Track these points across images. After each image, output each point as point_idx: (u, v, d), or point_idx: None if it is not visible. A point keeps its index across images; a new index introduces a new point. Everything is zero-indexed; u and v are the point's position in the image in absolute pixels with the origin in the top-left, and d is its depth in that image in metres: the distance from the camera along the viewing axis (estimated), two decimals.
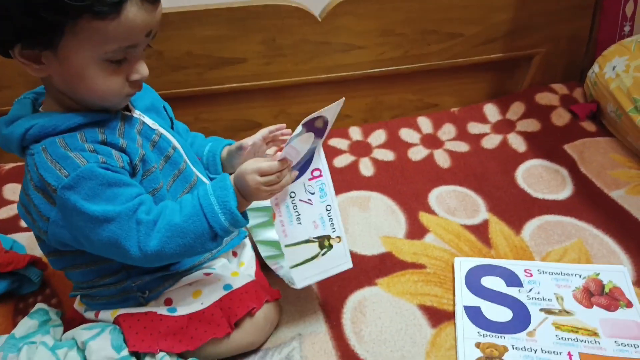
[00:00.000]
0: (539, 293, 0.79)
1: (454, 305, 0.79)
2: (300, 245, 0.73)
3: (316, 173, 0.73)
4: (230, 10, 1.08)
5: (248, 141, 0.78)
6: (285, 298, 0.81)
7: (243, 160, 0.77)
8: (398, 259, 0.88)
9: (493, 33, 1.22)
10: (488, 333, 0.74)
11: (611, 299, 0.78)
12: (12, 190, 1.07)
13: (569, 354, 0.70)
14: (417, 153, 1.14)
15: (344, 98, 0.66)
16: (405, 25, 1.17)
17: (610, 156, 1.07)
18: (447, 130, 1.20)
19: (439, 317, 0.77)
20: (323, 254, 0.75)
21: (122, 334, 0.68)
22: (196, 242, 0.62)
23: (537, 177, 1.05)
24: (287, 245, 0.73)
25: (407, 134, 1.19)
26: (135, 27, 0.58)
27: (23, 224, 0.89)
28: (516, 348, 0.71)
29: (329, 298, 0.81)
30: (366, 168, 1.10)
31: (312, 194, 0.73)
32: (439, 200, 1.01)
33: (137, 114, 0.68)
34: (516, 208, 0.98)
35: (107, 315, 0.71)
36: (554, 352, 0.70)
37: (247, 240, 0.83)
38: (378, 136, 1.19)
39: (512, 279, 0.82)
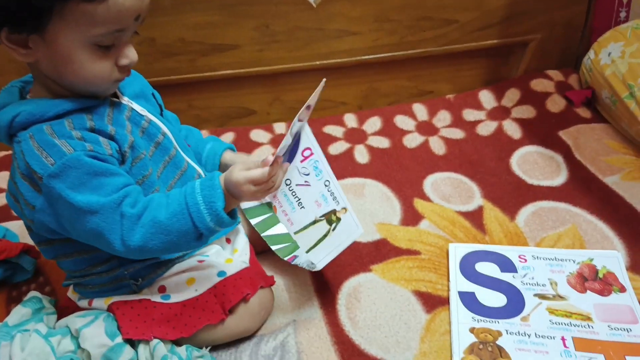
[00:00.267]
0: (533, 278, 0.79)
1: (448, 290, 0.79)
2: (309, 227, 0.73)
3: (307, 153, 0.72)
4: None
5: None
6: (279, 285, 0.81)
7: None
8: (393, 245, 0.88)
9: (488, 19, 1.21)
10: (482, 318, 0.74)
11: (605, 284, 0.78)
12: (5, 179, 1.06)
13: (563, 339, 0.70)
14: (412, 140, 1.13)
15: (324, 79, 0.64)
16: (400, 11, 1.16)
17: (604, 142, 1.07)
18: (443, 117, 1.19)
19: (434, 302, 0.78)
20: (334, 229, 0.75)
21: (116, 322, 0.68)
22: (180, 240, 0.62)
23: (532, 164, 1.05)
24: (296, 232, 0.72)
25: (402, 121, 1.19)
26: (124, 11, 0.57)
27: None
28: (510, 333, 0.71)
29: (324, 284, 0.81)
30: (361, 155, 1.10)
31: (307, 174, 0.72)
32: (434, 187, 1.00)
33: (125, 100, 0.68)
34: (511, 194, 0.98)
35: (101, 303, 0.71)
36: (547, 336, 0.71)
37: (240, 227, 0.83)
38: (373, 123, 1.19)
39: (507, 265, 0.82)
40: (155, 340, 0.67)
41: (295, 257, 0.72)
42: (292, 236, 0.72)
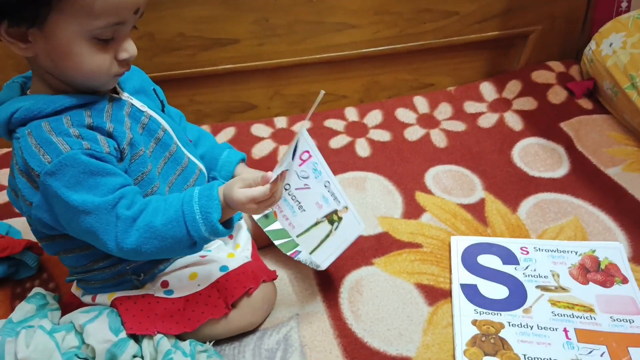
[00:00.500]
0: (535, 270, 0.80)
1: (450, 283, 0.79)
2: (311, 229, 0.73)
3: (305, 156, 0.71)
4: None
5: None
6: (282, 279, 0.81)
7: None
8: (395, 238, 0.88)
9: (489, 11, 1.21)
10: (484, 310, 0.74)
11: (607, 276, 0.78)
12: (7, 176, 1.06)
13: (565, 330, 0.70)
14: (414, 133, 1.13)
15: (323, 91, 0.64)
16: (400, 3, 1.15)
17: (606, 134, 1.07)
18: (443, 110, 1.19)
19: (436, 295, 0.78)
20: (336, 229, 0.75)
21: (120, 317, 0.68)
22: (174, 246, 0.62)
23: (533, 156, 1.04)
24: (298, 235, 0.72)
25: (403, 114, 1.19)
26: (123, 3, 0.57)
27: None
28: (512, 325, 0.72)
29: (326, 278, 0.82)
30: (362, 149, 1.10)
31: (307, 177, 0.71)
32: (436, 180, 1.00)
33: (125, 96, 0.67)
34: (512, 186, 0.97)
35: (104, 298, 0.71)
36: (550, 328, 0.71)
37: (242, 222, 0.83)
38: (374, 116, 1.18)
39: (509, 257, 0.82)
40: (159, 335, 0.67)
41: (298, 252, 0.72)
42: (294, 240, 0.72)
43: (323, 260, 0.74)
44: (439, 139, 1.11)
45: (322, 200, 0.73)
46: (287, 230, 0.71)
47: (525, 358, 0.67)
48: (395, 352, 0.70)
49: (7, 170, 1.07)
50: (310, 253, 0.73)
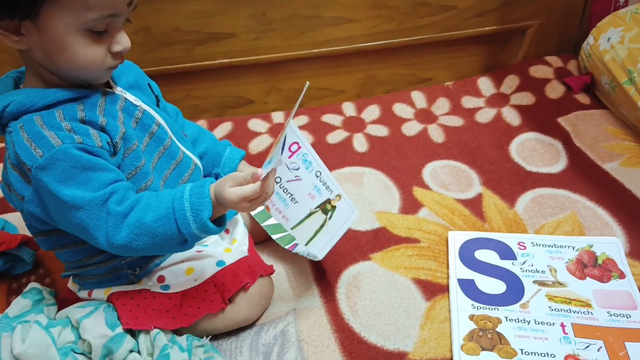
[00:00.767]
0: (532, 265, 0.80)
1: (447, 278, 0.79)
2: (305, 220, 0.73)
3: (294, 147, 0.71)
4: None
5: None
6: (279, 274, 0.81)
7: None
8: (392, 233, 0.88)
9: (486, 5, 1.20)
10: (482, 305, 0.74)
11: (604, 270, 0.78)
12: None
13: (562, 325, 0.70)
14: (411, 128, 1.13)
15: (308, 83, 0.63)
16: None
17: (604, 128, 1.07)
18: (441, 105, 1.19)
19: (433, 290, 0.78)
20: (330, 218, 0.74)
21: (116, 312, 0.68)
22: (165, 243, 0.61)
23: (531, 151, 1.04)
24: (293, 227, 0.72)
25: (400, 109, 1.18)
26: None
27: None
28: (510, 320, 0.72)
29: (324, 273, 0.81)
30: (360, 144, 1.09)
31: (297, 169, 0.71)
32: (433, 175, 1.00)
33: (118, 90, 0.67)
34: (510, 181, 0.97)
35: (101, 293, 0.71)
36: (547, 323, 0.71)
37: (239, 217, 0.82)
38: (372, 111, 1.18)
39: (506, 252, 0.82)
40: (156, 330, 0.67)
41: (296, 245, 0.72)
42: (289, 232, 0.72)
43: (319, 250, 0.74)
44: (436, 134, 1.11)
45: (314, 190, 0.73)
46: (282, 225, 0.71)
47: (522, 353, 0.67)
48: (392, 347, 0.70)
49: (1, 166, 1.07)
50: (306, 244, 0.73)
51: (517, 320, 0.72)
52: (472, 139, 1.09)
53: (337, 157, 1.06)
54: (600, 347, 0.67)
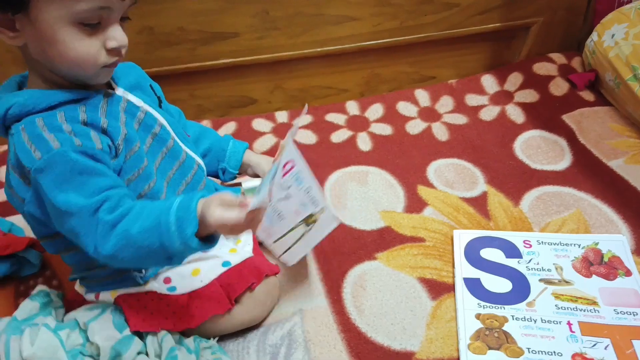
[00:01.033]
0: (538, 264, 0.80)
1: (453, 277, 0.79)
2: (287, 234, 0.71)
3: (288, 166, 0.68)
4: None
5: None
6: (285, 274, 0.81)
7: None
8: (397, 232, 0.88)
9: (490, 3, 1.20)
10: (488, 304, 0.74)
11: (610, 268, 0.78)
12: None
13: (569, 323, 0.70)
14: (415, 126, 1.13)
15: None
16: None
17: (608, 126, 1.07)
18: (445, 103, 1.19)
19: (439, 289, 0.78)
20: (309, 230, 0.74)
21: (123, 314, 0.68)
22: (150, 257, 0.59)
23: (535, 148, 1.04)
24: (274, 241, 0.71)
25: (404, 108, 1.18)
26: None
27: None
28: (516, 318, 0.72)
29: (329, 273, 0.82)
30: (364, 143, 1.09)
31: (289, 187, 0.68)
32: (438, 174, 1.00)
33: (120, 91, 0.67)
34: (514, 179, 0.97)
35: (108, 296, 0.71)
36: (553, 321, 0.71)
37: None
38: (375, 110, 1.18)
39: (511, 250, 0.82)
40: (163, 332, 0.68)
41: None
42: (270, 246, 0.71)
43: (293, 259, 0.73)
44: (440, 132, 1.11)
45: (301, 207, 0.71)
46: (264, 241, 0.71)
47: (529, 351, 0.67)
48: (399, 347, 0.71)
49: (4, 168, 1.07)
50: (283, 253, 0.73)
51: (523, 319, 0.72)
52: (476, 137, 1.09)
53: (341, 156, 1.06)
54: (608, 346, 0.67)
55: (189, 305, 0.70)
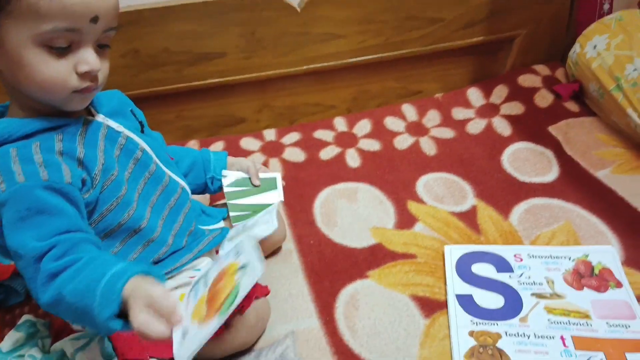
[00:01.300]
0: (529, 278, 0.79)
1: (446, 294, 0.79)
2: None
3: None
4: (205, 5, 1.06)
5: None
6: (276, 295, 0.80)
7: None
8: (388, 249, 0.87)
9: (473, 16, 1.21)
10: (481, 321, 0.74)
11: (601, 280, 0.78)
12: None
13: (562, 338, 0.70)
14: (403, 141, 1.13)
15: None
16: (385, 12, 1.16)
17: (594, 136, 1.08)
18: (432, 117, 1.19)
19: (432, 306, 0.77)
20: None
21: (111, 343, 0.67)
22: (84, 320, 0.56)
23: (523, 161, 1.05)
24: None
25: (392, 123, 1.18)
26: (71, 6, 0.54)
27: None
28: (509, 334, 0.71)
29: (321, 293, 0.81)
30: (352, 159, 1.09)
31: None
32: (427, 188, 1.00)
33: (100, 117, 0.66)
34: (503, 192, 0.98)
35: None
36: (547, 336, 0.71)
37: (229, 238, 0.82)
38: (363, 126, 1.18)
39: (503, 265, 0.82)
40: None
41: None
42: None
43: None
44: (428, 146, 1.11)
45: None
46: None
47: None
48: None
49: None
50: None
51: (517, 335, 0.71)
52: (464, 151, 1.09)
53: (330, 173, 1.06)
54: (601, 359, 0.67)
55: None
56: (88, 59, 0.58)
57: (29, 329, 0.72)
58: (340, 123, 1.19)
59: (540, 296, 0.77)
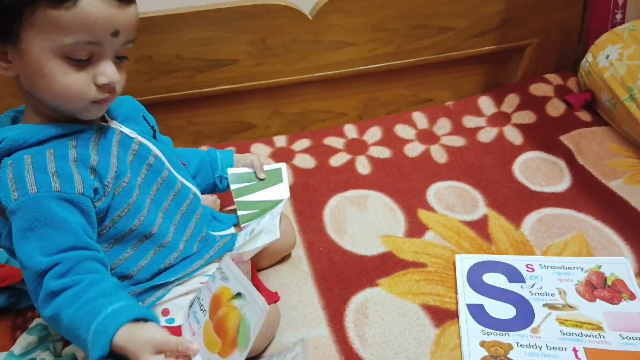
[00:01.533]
0: (541, 288, 0.79)
1: (456, 303, 0.78)
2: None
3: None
4: (217, 12, 1.07)
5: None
6: (286, 302, 0.80)
7: None
8: (399, 258, 0.87)
9: (484, 25, 1.21)
10: (492, 331, 0.73)
11: (614, 292, 0.77)
12: None
13: (574, 350, 0.69)
14: (413, 149, 1.13)
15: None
16: (396, 20, 1.16)
17: (606, 146, 1.07)
18: (443, 125, 1.19)
19: (443, 316, 0.77)
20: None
21: None
22: (78, 342, 0.58)
23: (534, 170, 1.04)
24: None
25: (402, 130, 1.18)
26: (94, 21, 0.56)
27: None
28: (521, 345, 0.71)
29: (331, 301, 0.81)
30: (363, 166, 1.09)
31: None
32: (437, 197, 1.00)
33: (114, 124, 0.67)
34: (515, 202, 0.97)
35: None
36: (559, 348, 0.70)
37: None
38: (373, 133, 1.18)
39: (514, 275, 0.81)
40: None
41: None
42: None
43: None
44: (438, 154, 1.11)
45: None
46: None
47: None
48: None
49: None
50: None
51: (528, 346, 0.71)
52: (475, 159, 1.09)
53: (340, 180, 1.06)
54: None
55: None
56: (107, 71, 0.59)
57: (40, 332, 0.72)
58: (350, 130, 1.19)
59: (552, 307, 0.76)
